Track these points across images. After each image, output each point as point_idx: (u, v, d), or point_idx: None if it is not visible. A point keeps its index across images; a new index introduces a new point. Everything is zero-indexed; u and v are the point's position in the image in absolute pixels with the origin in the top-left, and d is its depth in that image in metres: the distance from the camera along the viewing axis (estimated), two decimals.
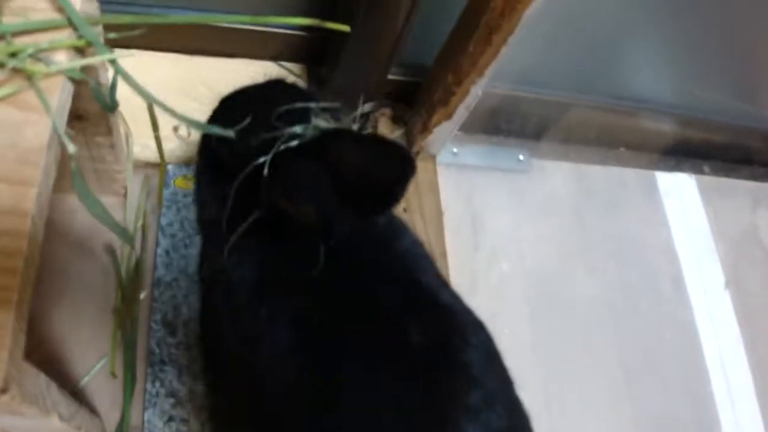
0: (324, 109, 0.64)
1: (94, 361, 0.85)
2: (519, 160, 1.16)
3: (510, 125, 1.15)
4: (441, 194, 1.06)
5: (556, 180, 1.18)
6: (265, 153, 0.59)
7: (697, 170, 1.27)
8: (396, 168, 0.59)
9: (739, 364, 1.09)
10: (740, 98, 1.16)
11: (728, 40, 1.05)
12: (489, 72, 0.90)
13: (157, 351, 0.85)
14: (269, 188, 0.59)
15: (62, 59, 0.56)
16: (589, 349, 1.04)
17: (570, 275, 1.09)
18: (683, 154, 1.26)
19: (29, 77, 0.54)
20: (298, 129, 0.63)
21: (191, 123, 0.61)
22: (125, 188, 0.93)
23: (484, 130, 1.15)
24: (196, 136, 0.95)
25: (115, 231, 0.63)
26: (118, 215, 0.95)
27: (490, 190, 1.12)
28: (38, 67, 0.54)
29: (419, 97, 1.04)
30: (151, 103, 0.63)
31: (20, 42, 0.55)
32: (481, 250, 1.05)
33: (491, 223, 1.08)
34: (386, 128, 1.09)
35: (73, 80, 0.58)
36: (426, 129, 1.02)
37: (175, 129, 0.68)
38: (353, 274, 0.65)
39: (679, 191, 1.24)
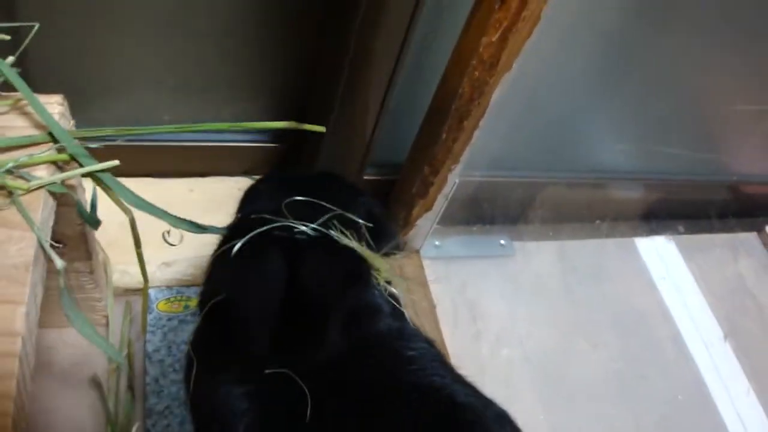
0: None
1: None
2: (501, 245, 1.16)
3: (488, 212, 1.16)
4: (430, 288, 1.05)
5: (541, 260, 1.17)
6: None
7: (673, 231, 1.29)
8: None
9: (754, 411, 1.06)
10: (700, 151, 1.20)
11: (682, 101, 1.11)
12: (464, 158, 0.92)
13: None
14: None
15: (43, 174, 0.55)
16: (606, 424, 1.00)
17: (573, 353, 1.07)
18: (656, 217, 1.29)
19: (10, 194, 0.53)
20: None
21: (184, 224, 0.60)
22: (106, 317, 0.89)
23: (463, 220, 1.15)
24: (185, 241, 0.94)
25: (107, 351, 0.59)
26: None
27: (479, 277, 1.11)
28: (19, 183, 0.53)
29: (396, 193, 1.04)
30: (132, 218, 0.61)
31: None
32: (482, 338, 1.03)
33: (486, 311, 1.06)
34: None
35: (54, 196, 0.57)
36: (408, 223, 1.02)
37: (166, 234, 0.66)
38: (358, 393, 0.62)
39: (660, 253, 1.25)
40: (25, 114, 0.59)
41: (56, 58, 0.85)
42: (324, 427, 0.58)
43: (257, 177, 1.07)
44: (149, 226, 0.63)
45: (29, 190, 0.53)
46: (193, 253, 0.97)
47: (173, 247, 0.95)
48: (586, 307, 1.13)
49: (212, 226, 0.65)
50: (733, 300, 1.23)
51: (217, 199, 1.03)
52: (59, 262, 0.52)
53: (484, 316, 1.06)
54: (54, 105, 0.60)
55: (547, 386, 1.00)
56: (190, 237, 0.99)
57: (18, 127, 0.58)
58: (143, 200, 0.60)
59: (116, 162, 0.57)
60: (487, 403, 0.63)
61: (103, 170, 0.57)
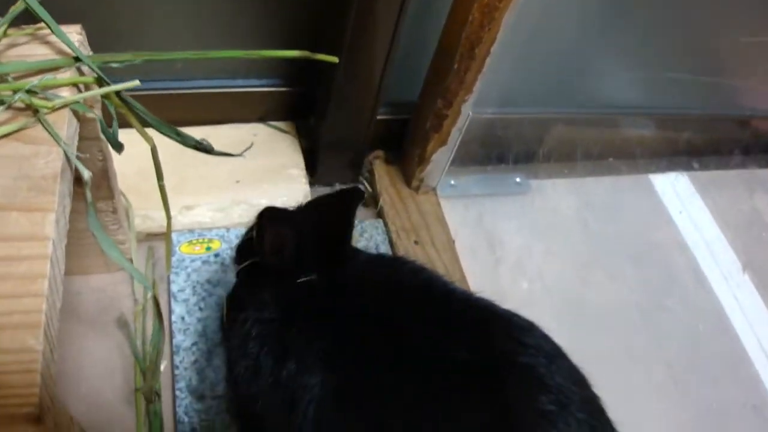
0: None
1: None
2: (516, 183, 1.17)
3: (502, 151, 1.16)
4: (449, 224, 1.05)
5: (557, 197, 1.18)
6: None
7: (687, 167, 1.29)
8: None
9: None
10: (713, 85, 1.19)
11: (696, 32, 1.09)
12: (477, 89, 0.92)
13: (186, 419, 0.80)
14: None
15: (66, 95, 0.56)
16: (628, 354, 1.01)
17: (591, 285, 1.07)
18: (670, 153, 1.28)
19: (35, 112, 0.53)
20: None
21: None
22: (131, 260, 0.91)
23: (478, 160, 1.15)
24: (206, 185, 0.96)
25: (132, 273, 0.60)
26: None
27: (496, 214, 1.11)
28: (44, 102, 0.54)
29: (411, 130, 1.05)
30: (154, 146, 0.62)
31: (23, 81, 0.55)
32: (501, 270, 1.03)
33: (504, 245, 1.07)
34: (381, 170, 1.09)
35: (77, 116, 0.58)
36: (423, 160, 1.02)
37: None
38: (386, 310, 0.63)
39: (675, 189, 1.25)
40: (47, 42, 0.60)
41: None
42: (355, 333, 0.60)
43: (273, 123, 1.09)
44: (169, 172, 0.64)
45: (54, 109, 0.54)
46: (212, 197, 0.99)
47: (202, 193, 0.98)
48: (603, 241, 1.13)
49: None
50: (751, 233, 1.23)
51: (233, 146, 1.04)
52: (86, 173, 0.53)
53: (503, 251, 1.07)
54: (73, 34, 0.60)
55: (568, 315, 1.01)
56: (213, 181, 1.01)
57: (39, 54, 0.59)
58: (163, 122, 0.61)
59: (137, 81, 0.58)
60: (511, 313, 0.64)
61: (123, 90, 0.58)
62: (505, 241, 1.08)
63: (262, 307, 0.66)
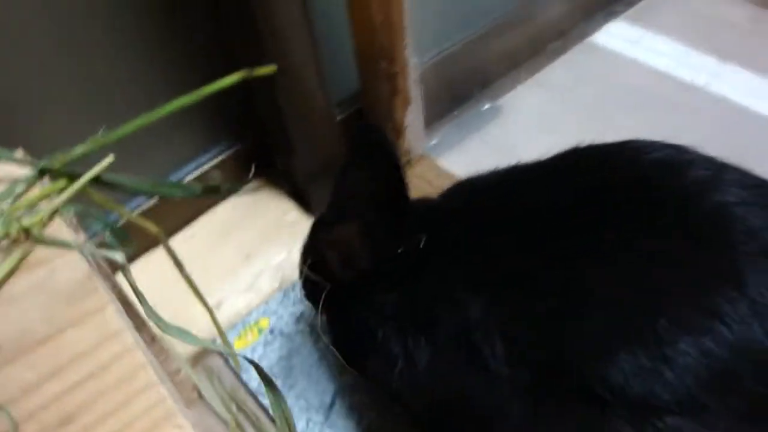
0: None
1: None
2: (488, 109, 1.13)
3: (464, 88, 1.13)
4: (456, 175, 1.00)
5: (528, 101, 1.14)
6: None
7: (615, 14, 1.29)
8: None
9: None
10: None
11: None
12: (409, 32, 0.88)
13: None
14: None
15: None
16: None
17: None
18: (595, 10, 1.28)
19: (27, 235, 0.46)
20: None
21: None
22: (197, 391, 0.81)
23: (444, 112, 1.12)
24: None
25: (219, 349, 0.52)
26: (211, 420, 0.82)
27: (485, 144, 1.07)
28: (29, 219, 0.47)
29: (371, 111, 1.00)
30: (159, 232, 0.55)
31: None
32: None
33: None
34: None
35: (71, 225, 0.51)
36: (399, 130, 0.97)
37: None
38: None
39: (621, 35, 1.24)
40: None
41: None
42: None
43: (244, 189, 1.02)
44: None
45: (44, 221, 0.47)
46: (233, 284, 0.91)
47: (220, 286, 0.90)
48: (591, 111, 1.11)
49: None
50: (714, 38, 1.21)
51: (220, 234, 0.97)
52: (119, 256, 0.45)
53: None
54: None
55: None
56: (223, 269, 0.92)
57: None
58: (160, 182, 0.54)
59: (111, 156, 0.51)
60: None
61: (101, 172, 0.51)
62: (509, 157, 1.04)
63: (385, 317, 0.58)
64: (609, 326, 0.44)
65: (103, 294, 0.42)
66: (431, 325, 0.54)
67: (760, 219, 0.45)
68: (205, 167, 0.96)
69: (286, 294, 0.89)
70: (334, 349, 0.66)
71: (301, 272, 0.70)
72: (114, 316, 0.41)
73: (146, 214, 0.92)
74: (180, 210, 0.97)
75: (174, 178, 0.94)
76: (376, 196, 0.58)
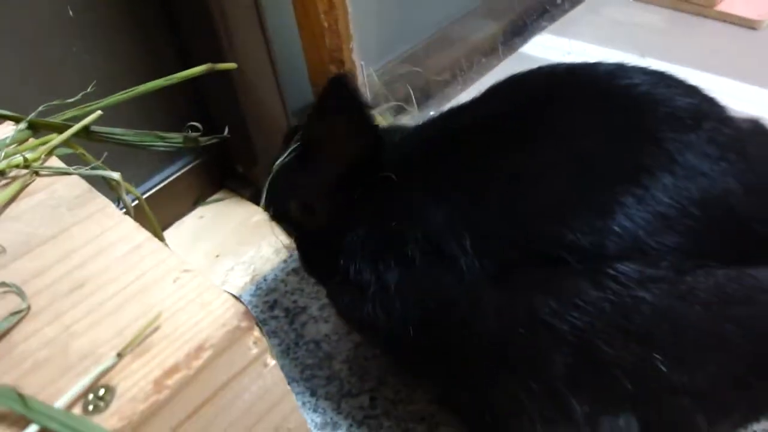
0: None
1: None
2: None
3: (401, 100, 1.21)
4: None
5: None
6: None
7: (541, 27, 1.42)
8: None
9: None
10: None
11: None
12: (356, 36, 0.96)
13: None
14: None
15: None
16: None
17: None
18: (522, 22, 1.41)
19: (26, 167, 0.50)
20: None
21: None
22: None
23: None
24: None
25: None
26: None
27: None
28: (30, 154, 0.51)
29: None
30: (139, 196, 0.59)
31: None
32: None
33: None
34: None
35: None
36: None
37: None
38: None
39: (551, 45, 1.37)
40: None
41: None
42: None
43: (210, 199, 1.06)
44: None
45: (43, 156, 0.51)
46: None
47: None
48: None
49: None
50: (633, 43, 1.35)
51: (188, 244, 1.01)
52: (115, 174, 0.49)
53: None
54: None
55: None
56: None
57: None
58: (143, 132, 0.59)
59: (99, 111, 0.56)
60: None
61: (92, 122, 0.55)
62: None
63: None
64: (558, 197, 0.51)
65: (103, 198, 0.46)
66: (399, 243, 0.58)
67: (665, 91, 0.55)
68: (172, 178, 1.00)
69: (258, 286, 0.93)
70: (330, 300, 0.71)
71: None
72: (115, 211, 0.45)
73: None
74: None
75: (141, 189, 0.98)
76: (347, 139, 0.62)
